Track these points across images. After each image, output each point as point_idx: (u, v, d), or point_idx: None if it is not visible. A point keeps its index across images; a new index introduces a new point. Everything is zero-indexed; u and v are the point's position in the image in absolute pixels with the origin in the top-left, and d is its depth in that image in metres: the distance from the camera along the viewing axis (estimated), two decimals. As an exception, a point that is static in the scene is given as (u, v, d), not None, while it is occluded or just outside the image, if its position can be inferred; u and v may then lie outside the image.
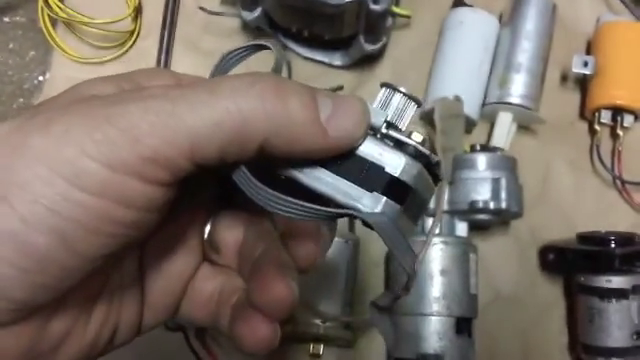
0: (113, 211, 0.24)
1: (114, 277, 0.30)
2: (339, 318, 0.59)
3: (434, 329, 0.56)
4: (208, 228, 0.34)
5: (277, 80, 0.26)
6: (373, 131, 0.28)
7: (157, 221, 0.26)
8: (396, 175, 0.27)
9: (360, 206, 0.27)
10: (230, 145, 0.25)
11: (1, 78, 0.70)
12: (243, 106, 0.25)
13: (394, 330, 0.58)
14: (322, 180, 0.28)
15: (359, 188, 0.27)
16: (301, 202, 0.27)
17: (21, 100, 0.69)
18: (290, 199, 0.27)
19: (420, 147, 0.28)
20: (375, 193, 0.27)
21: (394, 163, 0.27)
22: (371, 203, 0.27)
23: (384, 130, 0.28)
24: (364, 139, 0.27)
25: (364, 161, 0.28)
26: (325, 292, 0.59)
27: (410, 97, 0.29)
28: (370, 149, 0.28)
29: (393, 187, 0.27)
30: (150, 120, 0.24)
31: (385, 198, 0.27)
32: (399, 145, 0.28)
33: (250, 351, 0.31)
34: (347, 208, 0.28)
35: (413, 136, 0.28)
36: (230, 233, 0.34)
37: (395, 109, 0.29)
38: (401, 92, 0.29)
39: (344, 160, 0.28)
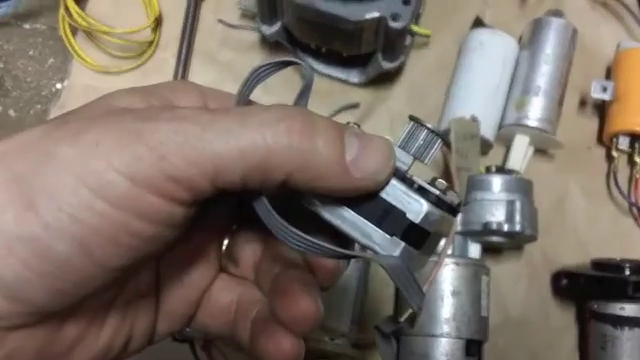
0: (133, 224, 0.24)
1: (130, 285, 0.30)
2: (348, 335, 0.58)
3: (443, 350, 0.56)
4: (227, 241, 0.35)
5: (306, 116, 0.26)
6: (397, 172, 0.28)
7: (176, 236, 0.27)
8: (417, 222, 0.28)
9: (377, 248, 0.28)
10: (253, 175, 0.25)
11: (20, 84, 0.71)
12: (269, 140, 0.25)
13: (399, 353, 0.58)
14: (343, 217, 0.28)
15: (379, 230, 0.28)
16: (317, 242, 0.27)
17: (39, 107, 0.69)
18: (307, 237, 0.27)
19: (442, 196, 0.28)
20: (394, 237, 0.28)
21: (416, 209, 0.28)
22: (389, 247, 0.28)
23: (409, 174, 0.28)
24: (388, 181, 0.28)
25: (386, 204, 0.28)
26: (334, 309, 0.59)
27: (436, 133, 0.29)
28: (393, 192, 0.28)
29: (412, 233, 0.28)
30: (178, 141, 0.24)
31: (404, 244, 0.28)
32: (422, 190, 0.28)
33: None
34: (364, 247, 0.28)
35: (437, 183, 0.28)
36: (249, 246, 0.35)
37: (420, 144, 0.29)
38: (428, 128, 0.29)
39: (366, 200, 0.28)
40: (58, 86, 0.70)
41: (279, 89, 0.70)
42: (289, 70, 0.68)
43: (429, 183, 0.28)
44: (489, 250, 0.64)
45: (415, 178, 0.28)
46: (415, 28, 0.65)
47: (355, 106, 0.69)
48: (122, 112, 0.26)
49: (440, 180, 0.29)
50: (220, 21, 0.69)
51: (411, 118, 0.30)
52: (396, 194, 0.28)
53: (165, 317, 0.33)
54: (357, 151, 0.27)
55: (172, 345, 0.62)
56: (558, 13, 0.69)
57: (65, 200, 0.23)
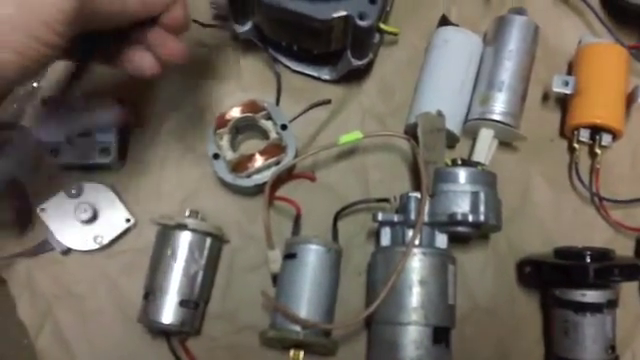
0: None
1: None
2: (319, 325, 0.60)
3: (411, 338, 0.57)
4: None
5: None
6: None
7: None
8: None
9: None
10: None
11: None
12: None
13: (369, 341, 0.59)
14: None
15: None
16: None
17: (15, 106, 0.70)
18: None
19: None
20: None
21: None
22: None
23: None
24: None
25: None
26: (306, 299, 0.60)
27: None
28: None
29: None
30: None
31: None
32: None
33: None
34: None
35: None
36: None
37: None
38: None
39: None
40: (35, 85, 0.71)
41: (254, 85, 0.72)
42: (263, 67, 0.71)
43: None
44: (456, 240, 0.66)
45: None
46: (383, 26, 0.66)
47: (327, 102, 0.70)
48: None
49: None
50: (194, 21, 0.70)
51: None
52: None
53: None
54: None
55: (148, 342, 0.64)
56: (521, 11, 0.71)
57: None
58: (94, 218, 0.65)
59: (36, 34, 0.41)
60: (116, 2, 0.46)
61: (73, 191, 0.64)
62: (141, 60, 0.52)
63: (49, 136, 0.63)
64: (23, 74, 0.42)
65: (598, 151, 0.69)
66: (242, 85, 0.72)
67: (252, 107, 0.67)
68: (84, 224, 0.64)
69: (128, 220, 0.66)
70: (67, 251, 0.65)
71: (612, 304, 0.61)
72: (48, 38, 0.41)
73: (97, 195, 0.66)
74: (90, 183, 0.66)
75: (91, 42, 0.50)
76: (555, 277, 0.63)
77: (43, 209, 0.64)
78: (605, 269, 0.60)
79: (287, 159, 0.66)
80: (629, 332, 0.66)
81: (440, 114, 0.65)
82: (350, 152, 0.70)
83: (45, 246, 0.65)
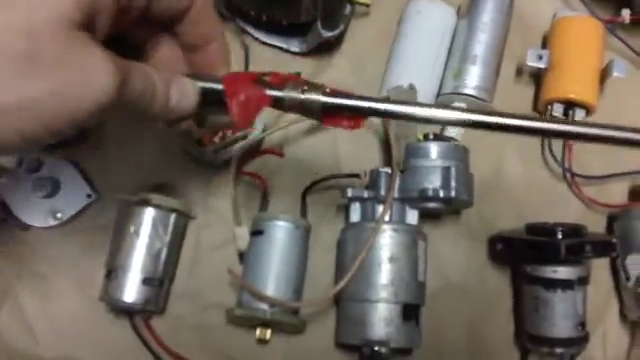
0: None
1: None
2: (286, 303, 0.59)
3: (381, 316, 0.56)
4: None
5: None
6: None
7: None
8: None
9: None
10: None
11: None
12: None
13: (338, 318, 0.58)
14: None
15: None
16: None
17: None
18: None
19: None
20: None
21: None
22: None
23: None
24: None
25: None
26: (274, 277, 0.59)
27: None
28: None
29: None
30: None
31: None
32: None
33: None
34: None
35: None
36: None
37: None
38: None
39: None
40: None
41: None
42: (230, 38, 0.68)
43: None
44: (428, 216, 0.65)
45: None
46: (355, -4, 0.65)
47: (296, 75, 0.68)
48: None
49: None
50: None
51: None
52: None
53: None
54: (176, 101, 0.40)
55: (111, 321, 0.62)
56: (495, -19, 0.70)
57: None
58: (53, 193, 0.62)
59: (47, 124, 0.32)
60: (144, 99, 0.37)
61: (31, 165, 0.62)
62: None
63: None
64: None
65: (571, 126, 0.68)
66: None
67: (218, 79, 0.64)
68: (43, 200, 0.62)
69: (89, 196, 0.63)
70: (25, 227, 0.63)
71: (583, 281, 0.61)
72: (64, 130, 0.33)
73: (56, 169, 0.63)
74: (49, 157, 0.63)
75: None
76: (526, 253, 0.62)
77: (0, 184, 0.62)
78: (576, 245, 0.59)
79: (255, 133, 0.64)
80: (600, 309, 0.66)
81: (412, 88, 0.64)
82: (320, 127, 0.68)
83: (2, 222, 0.62)
